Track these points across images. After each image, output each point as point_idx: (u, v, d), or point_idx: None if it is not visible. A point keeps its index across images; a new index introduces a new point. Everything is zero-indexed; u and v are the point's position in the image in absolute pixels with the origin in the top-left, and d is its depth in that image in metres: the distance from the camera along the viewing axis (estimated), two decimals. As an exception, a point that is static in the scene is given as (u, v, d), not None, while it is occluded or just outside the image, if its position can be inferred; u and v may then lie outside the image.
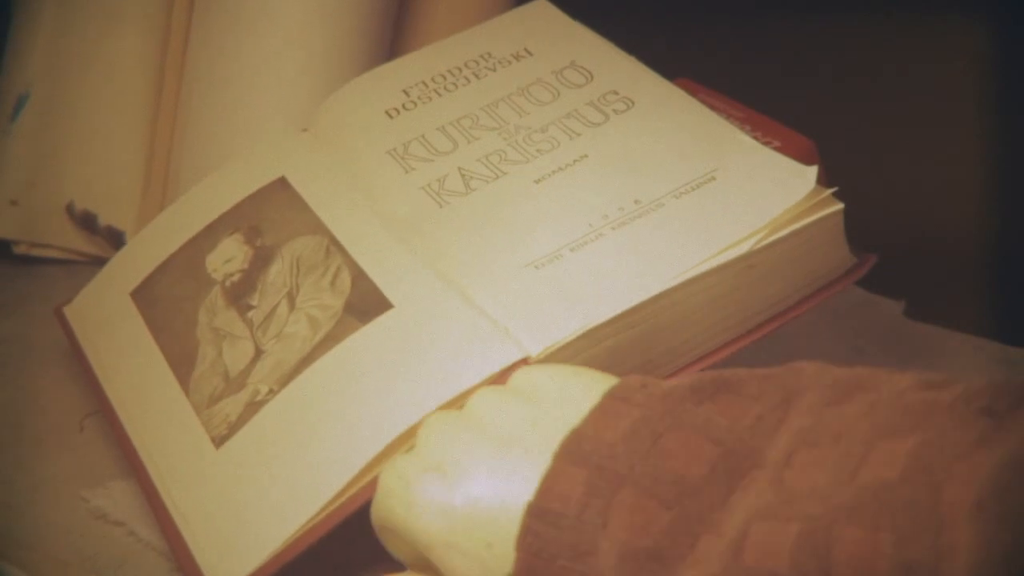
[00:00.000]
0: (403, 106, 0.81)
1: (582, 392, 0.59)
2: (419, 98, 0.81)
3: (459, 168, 0.76)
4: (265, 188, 0.78)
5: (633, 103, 0.77)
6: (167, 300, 0.76)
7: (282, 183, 0.78)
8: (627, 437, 0.56)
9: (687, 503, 0.54)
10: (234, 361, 0.72)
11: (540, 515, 0.56)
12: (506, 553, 0.57)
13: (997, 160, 0.90)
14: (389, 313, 0.70)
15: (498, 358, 0.65)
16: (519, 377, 0.62)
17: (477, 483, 0.58)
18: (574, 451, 0.56)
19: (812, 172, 0.70)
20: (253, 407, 0.69)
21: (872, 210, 0.77)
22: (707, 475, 0.54)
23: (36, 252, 0.91)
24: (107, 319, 0.78)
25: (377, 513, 0.61)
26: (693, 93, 0.78)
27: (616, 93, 0.78)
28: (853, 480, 0.50)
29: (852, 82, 0.94)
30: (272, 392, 0.69)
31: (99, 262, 0.90)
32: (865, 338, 0.84)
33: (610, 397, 0.58)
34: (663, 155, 0.73)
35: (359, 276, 0.72)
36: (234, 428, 0.69)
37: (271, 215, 0.77)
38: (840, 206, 0.70)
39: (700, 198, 0.70)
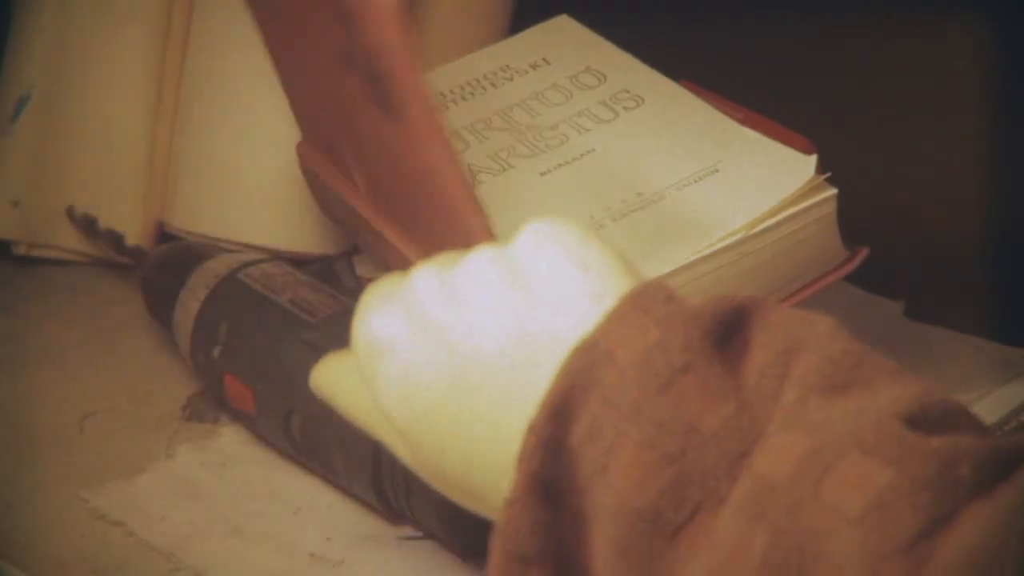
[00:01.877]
0: None
1: (593, 286, 0.55)
2: None
3: (468, 165, 0.77)
4: None
5: (643, 100, 0.78)
6: None
7: None
8: (641, 365, 0.52)
9: (692, 458, 0.50)
10: None
11: (543, 442, 0.52)
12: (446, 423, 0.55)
13: (997, 160, 0.90)
14: None
15: None
16: (520, 248, 0.56)
17: (436, 391, 0.56)
18: (583, 370, 0.52)
19: (811, 161, 0.70)
20: None
21: (872, 210, 0.77)
22: (717, 430, 0.51)
23: (36, 253, 0.91)
24: None
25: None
26: (693, 95, 0.79)
27: (627, 92, 0.79)
28: (817, 492, 0.48)
29: (852, 82, 0.93)
30: None
31: (99, 262, 0.91)
32: (865, 338, 0.83)
33: (631, 304, 0.53)
34: (669, 150, 0.74)
35: None
36: None
37: None
38: (833, 191, 0.70)
39: (702, 189, 0.71)
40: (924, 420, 0.49)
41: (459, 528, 0.69)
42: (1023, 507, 0.46)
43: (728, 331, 0.53)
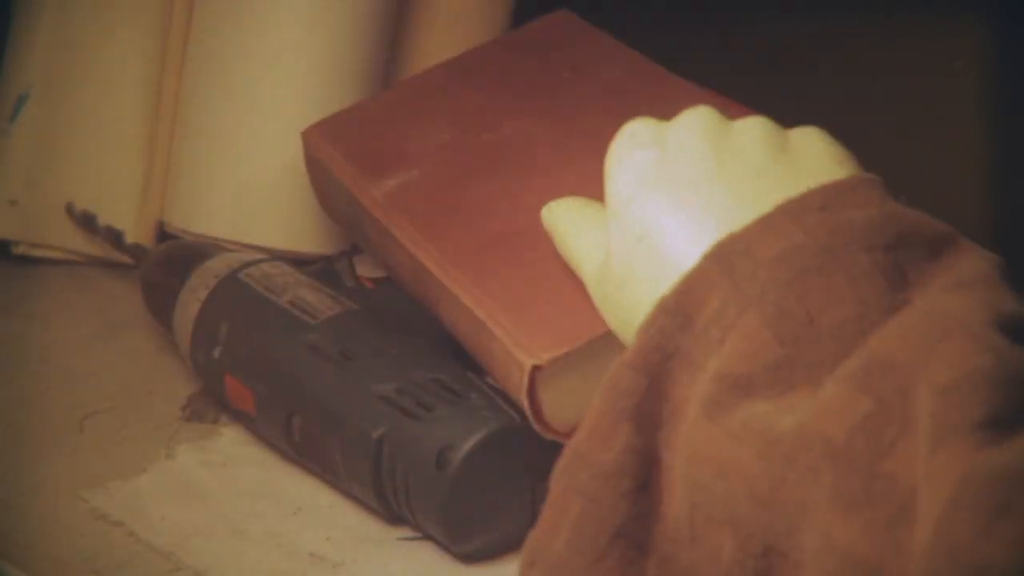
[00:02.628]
0: None
1: (799, 181, 0.58)
2: None
3: None
4: None
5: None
6: None
7: None
8: (775, 261, 0.54)
9: (803, 348, 0.53)
10: None
11: (671, 313, 0.55)
12: (648, 254, 0.59)
13: (997, 160, 0.90)
14: None
15: None
16: (799, 134, 0.61)
17: (675, 185, 0.59)
18: (723, 259, 0.55)
19: None
20: None
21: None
22: (835, 328, 0.53)
23: (36, 252, 0.91)
24: None
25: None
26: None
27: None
28: (923, 371, 0.49)
29: (852, 82, 0.94)
30: None
31: (99, 262, 0.91)
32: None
33: (783, 211, 0.56)
34: None
35: None
36: None
37: None
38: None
39: None
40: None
41: (458, 530, 0.69)
42: None
43: (883, 244, 0.55)
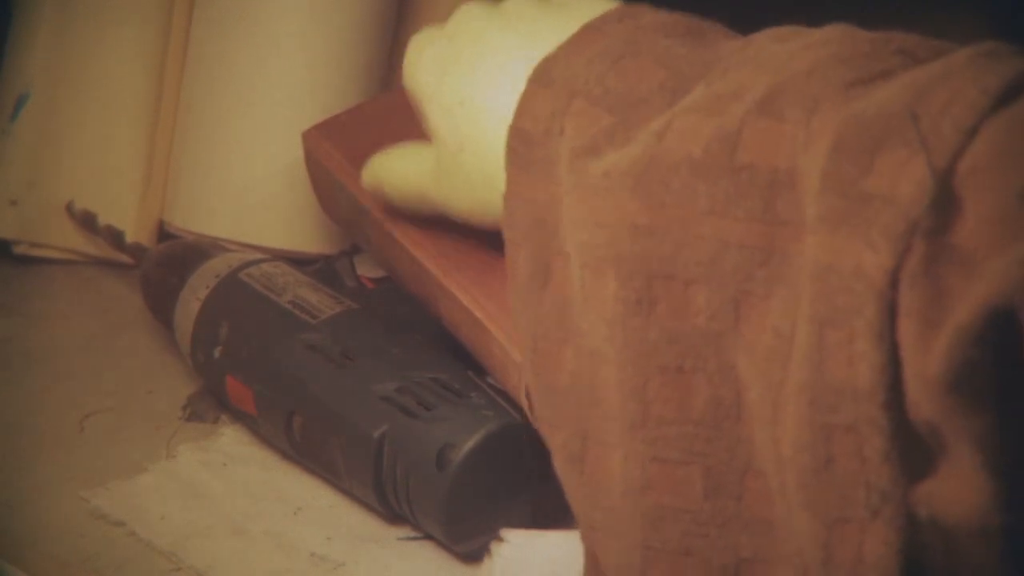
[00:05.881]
0: None
1: (574, 20, 0.63)
2: None
3: None
4: None
5: None
6: None
7: None
8: (590, 60, 0.61)
9: (629, 111, 0.58)
10: None
11: (517, 135, 0.61)
12: (472, 112, 0.65)
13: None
14: None
15: None
16: None
17: (471, 54, 0.66)
18: (544, 75, 0.61)
19: None
20: None
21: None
22: (654, 90, 0.59)
23: (36, 252, 0.91)
24: None
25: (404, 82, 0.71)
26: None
27: None
28: (771, 73, 0.55)
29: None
30: None
31: (99, 262, 0.91)
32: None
33: (586, 27, 0.62)
34: None
35: None
36: None
37: None
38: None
39: None
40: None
41: (458, 530, 0.69)
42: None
43: (683, 32, 0.61)
